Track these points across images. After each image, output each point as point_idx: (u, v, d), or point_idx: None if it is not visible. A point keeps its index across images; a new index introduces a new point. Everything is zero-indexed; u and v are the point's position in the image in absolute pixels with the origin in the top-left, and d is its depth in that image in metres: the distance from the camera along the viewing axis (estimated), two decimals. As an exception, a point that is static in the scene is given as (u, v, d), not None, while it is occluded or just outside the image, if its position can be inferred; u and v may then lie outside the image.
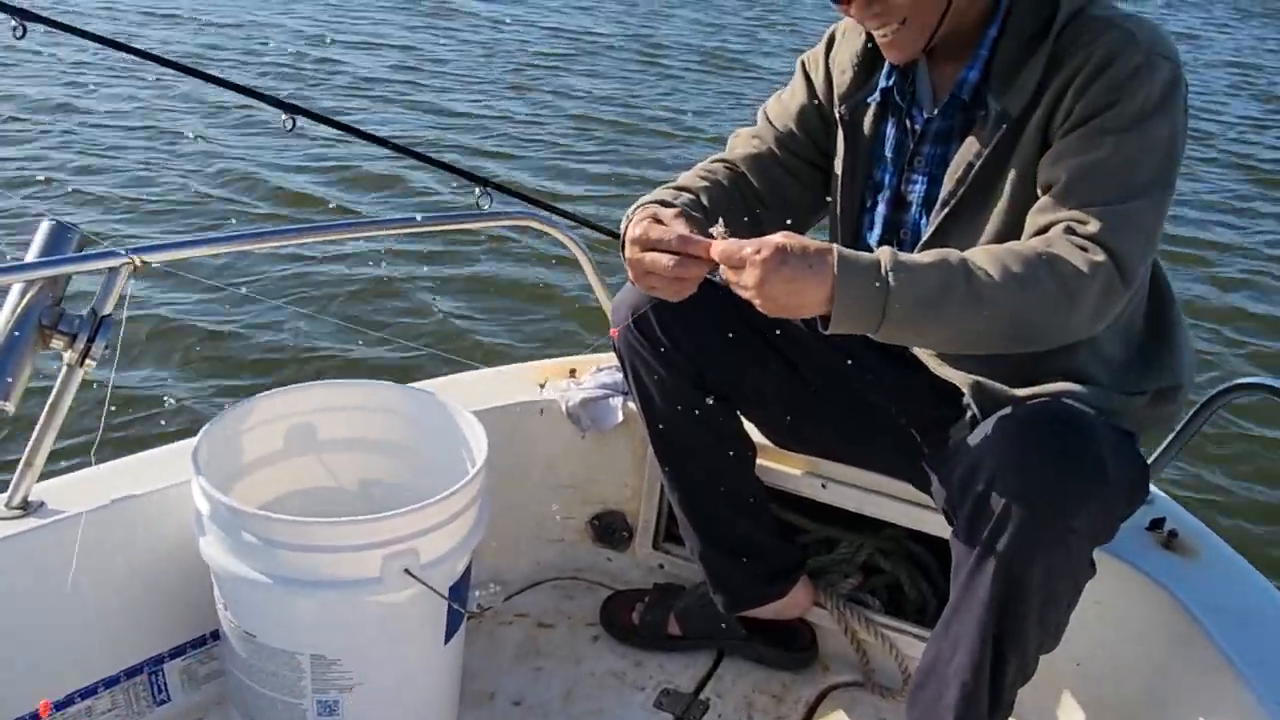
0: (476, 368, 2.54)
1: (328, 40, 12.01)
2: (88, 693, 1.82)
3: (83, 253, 1.70)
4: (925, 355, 1.83)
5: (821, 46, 1.91)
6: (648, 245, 1.50)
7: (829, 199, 1.90)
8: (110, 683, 1.84)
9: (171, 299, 4.79)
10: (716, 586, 2.13)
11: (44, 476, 1.76)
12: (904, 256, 1.43)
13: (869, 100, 1.80)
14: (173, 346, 4.43)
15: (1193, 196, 8.23)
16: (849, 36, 1.84)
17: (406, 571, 1.60)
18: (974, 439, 1.59)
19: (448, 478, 1.73)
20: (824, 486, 2.14)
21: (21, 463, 1.71)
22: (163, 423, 3.90)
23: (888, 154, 1.80)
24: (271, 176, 6.61)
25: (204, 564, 1.69)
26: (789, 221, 1.92)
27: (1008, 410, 1.59)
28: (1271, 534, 3.83)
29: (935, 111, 1.71)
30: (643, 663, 2.22)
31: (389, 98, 9.48)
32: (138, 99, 7.97)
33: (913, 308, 1.41)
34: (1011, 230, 1.60)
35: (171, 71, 2.12)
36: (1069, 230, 1.48)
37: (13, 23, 1.87)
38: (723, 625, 2.20)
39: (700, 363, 1.91)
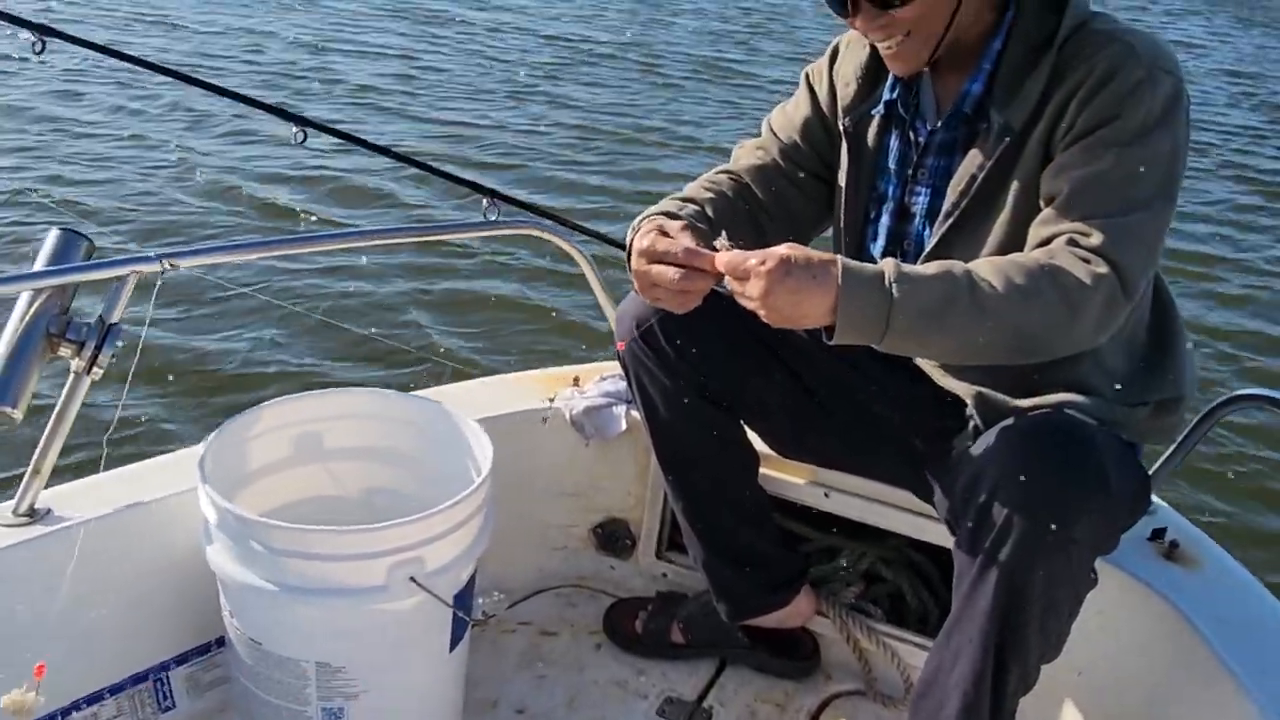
0: (480, 376, 2.55)
1: (326, 49, 12.00)
2: (93, 699, 1.83)
3: (90, 261, 1.72)
4: (928, 366, 1.84)
5: (825, 59, 1.91)
6: (654, 257, 1.51)
7: (833, 210, 1.91)
8: (115, 689, 1.85)
9: (178, 306, 4.80)
10: (719, 595, 2.13)
11: (51, 484, 1.77)
12: (908, 268, 1.44)
13: (873, 112, 1.80)
14: (179, 354, 4.44)
15: (1194, 208, 8.20)
16: (853, 48, 1.85)
17: (412, 580, 1.61)
18: (977, 449, 1.60)
19: (453, 486, 1.74)
20: (827, 495, 2.15)
21: (29, 470, 1.72)
22: (169, 429, 3.91)
23: (891, 166, 1.81)
24: (277, 187, 6.62)
25: (209, 571, 1.70)
26: (794, 233, 1.93)
27: (1010, 421, 1.60)
28: (1273, 544, 3.84)
29: (939, 124, 1.71)
30: (646, 671, 2.22)
31: (389, 107, 9.48)
32: (146, 111, 7.97)
33: (916, 319, 1.42)
34: (1014, 242, 1.61)
35: (180, 83, 2.13)
36: (1071, 242, 1.49)
37: (33, 38, 1.88)
38: (725, 634, 2.20)
39: (704, 373, 1.92)
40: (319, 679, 1.68)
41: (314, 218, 6.24)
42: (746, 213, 1.88)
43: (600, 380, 2.39)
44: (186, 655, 1.94)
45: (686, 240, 1.51)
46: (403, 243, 5.24)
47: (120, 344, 1.69)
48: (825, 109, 1.89)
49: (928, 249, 1.72)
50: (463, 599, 1.76)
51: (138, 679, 1.88)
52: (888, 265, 1.43)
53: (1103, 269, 1.46)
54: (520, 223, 2.28)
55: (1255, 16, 27.33)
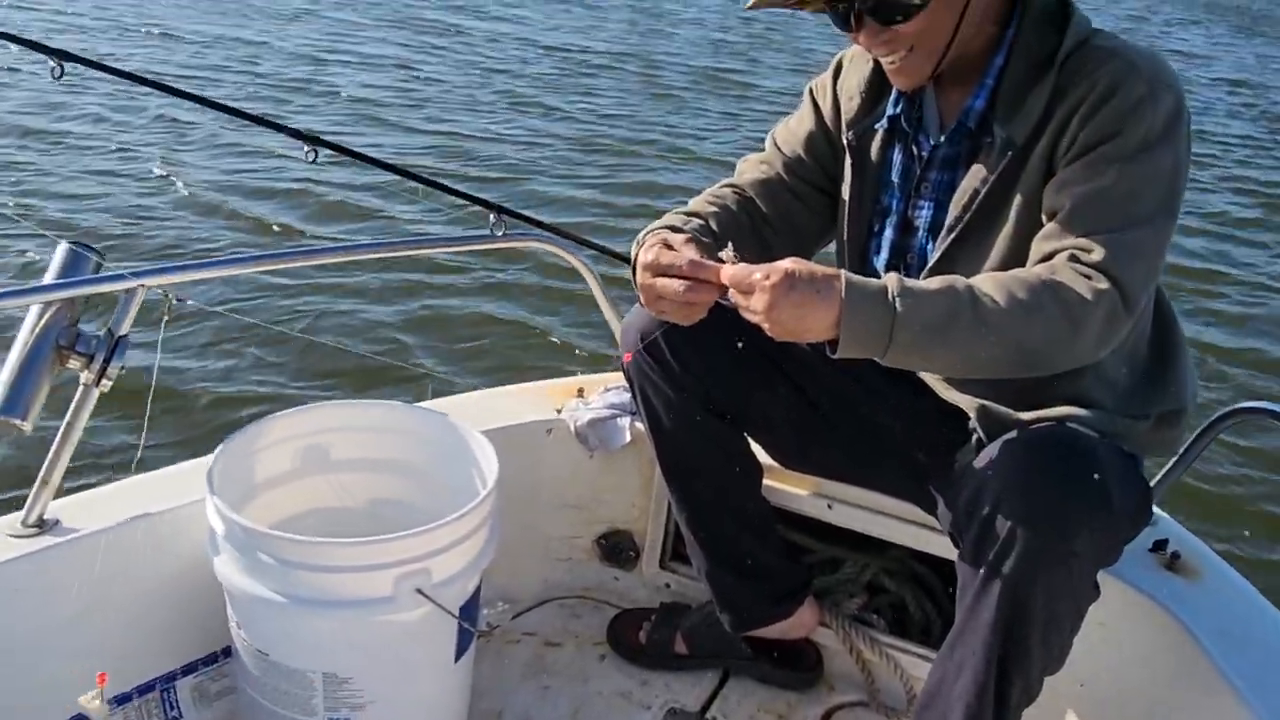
0: (485, 388, 2.56)
1: (326, 60, 12.05)
2: None
3: (99, 274, 1.73)
4: (931, 379, 1.85)
5: (829, 73, 1.93)
6: (659, 270, 1.52)
7: (836, 224, 1.92)
8: (122, 699, 1.86)
9: (186, 320, 4.82)
10: (723, 606, 2.14)
11: (61, 494, 1.78)
12: (910, 283, 1.45)
13: (876, 126, 1.81)
14: (187, 366, 4.46)
15: (1195, 219, 8.19)
16: (856, 63, 1.86)
17: (418, 591, 1.62)
18: (979, 462, 1.61)
19: (458, 498, 1.76)
20: (830, 507, 2.16)
21: (38, 481, 1.73)
22: (178, 439, 3.93)
23: (895, 179, 1.82)
24: (284, 204, 6.63)
25: (217, 581, 1.71)
26: (798, 247, 1.94)
27: (1013, 434, 1.61)
28: (1275, 556, 3.85)
29: (942, 139, 1.72)
30: (649, 682, 2.23)
31: (389, 119, 9.50)
32: (153, 128, 7.98)
33: (919, 333, 1.43)
34: (1017, 256, 1.62)
35: (188, 100, 2.15)
36: (1073, 258, 1.50)
37: (51, 63, 1.90)
38: (729, 645, 2.21)
39: (709, 385, 1.93)
40: (326, 690, 1.69)
41: (319, 233, 6.27)
42: (750, 226, 1.89)
43: (605, 391, 2.40)
44: (193, 665, 1.94)
45: (691, 253, 1.53)
46: (406, 256, 5.30)
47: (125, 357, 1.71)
48: (829, 123, 1.90)
49: (931, 263, 1.73)
50: (468, 610, 1.77)
51: (144, 689, 1.89)
52: (891, 280, 1.45)
53: (1104, 284, 1.47)
54: (525, 236, 2.29)
55: (1257, 26, 27.34)
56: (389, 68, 12.00)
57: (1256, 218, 8.65)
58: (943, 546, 1.98)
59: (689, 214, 1.84)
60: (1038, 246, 1.57)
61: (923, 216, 1.78)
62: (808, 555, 2.28)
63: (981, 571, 1.53)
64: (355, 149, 2.15)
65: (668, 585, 2.42)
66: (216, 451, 1.78)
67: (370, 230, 6.35)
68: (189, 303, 1.75)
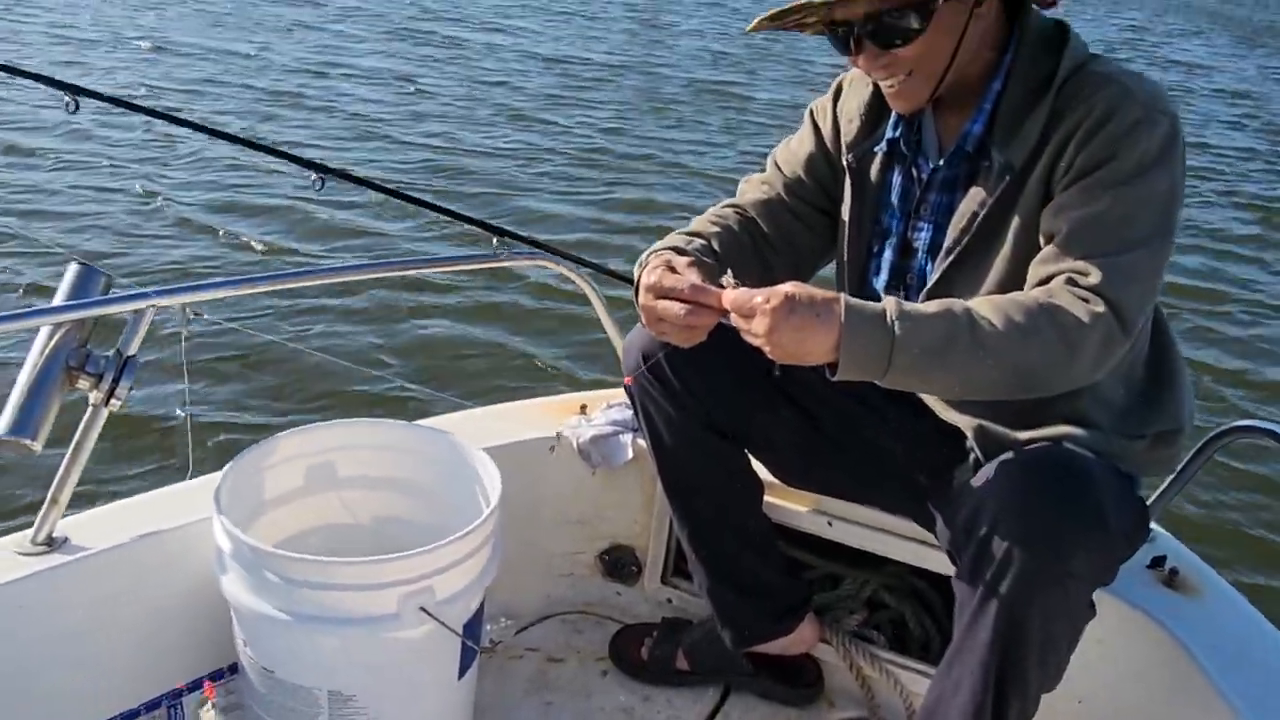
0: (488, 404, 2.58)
1: (325, 75, 12.08)
2: None
3: (108, 295, 1.75)
4: (930, 399, 1.87)
5: (829, 96, 1.95)
6: (661, 293, 1.54)
7: (837, 244, 1.94)
8: (129, 716, 1.87)
9: (195, 340, 4.85)
10: (723, 622, 2.16)
11: (69, 512, 1.80)
12: (909, 306, 1.47)
13: (875, 149, 1.83)
14: (195, 384, 4.48)
15: (1194, 236, 8.14)
16: (856, 86, 1.88)
17: (422, 610, 1.64)
18: (977, 482, 1.62)
19: (462, 515, 1.78)
20: (830, 524, 2.18)
21: (47, 499, 1.75)
22: (188, 455, 3.95)
23: (894, 201, 1.84)
24: (284, 225, 6.66)
25: (223, 599, 1.73)
26: (798, 267, 1.96)
27: (1010, 455, 1.63)
28: (1272, 573, 3.86)
29: (941, 161, 1.74)
30: (651, 697, 2.25)
31: (387, 134, 9.51)
32: (159, 155, 8.00)
33: (918, 356, 1.44)
34: (1014, 278, 1.63)
35: (192, 128, 2.19)
36: (1070, 281, 1.52)
37: (65, 98, 1.92)
38: (730, 661, 2.23)
39: (711, 405, 1.95)
40: (331, 707, 1.71)
41: (323, 254, 6.29)
42: (752, 247, 1.91)
43: (607, 408, 2.42)
44: (199, 682, 1.96)
45: (693, 277, 1.54)
46: (408, 276, 5.32)
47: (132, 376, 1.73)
48: (829, 145, 1.92)
49: (929, 284, 1.74)
50: (472, 628, 1.79)
51: (151, 705, 1.90)
52: (890, 303, 1.46)
53: (1100, 308, 1.49)
54: (527, 255, 2.31)
55: (1259, 38, 27.32)
56: (388, 80, 12.02)
57: (1256, 234, 8.56)
58: (942, 563, 1.99)
59: (691, 234, 1.86)
60: (1035, 270, 1.59)
61: (922, 238, 1.80)
62: (808, 571, 2.29)
63: (978, 591, 1.55)
64: (359, 174, 2.18)
65: (669, 601, 2.44)
66: (224, 470, 1.80)
67: (373, 250, 6.37)
68: (204, 317, 1.76)
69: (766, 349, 1.44)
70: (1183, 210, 1.63)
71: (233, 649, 1.81)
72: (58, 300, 1.72)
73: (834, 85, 1.95)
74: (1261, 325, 6.55)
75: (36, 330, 1.71)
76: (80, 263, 1.76)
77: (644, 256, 1.72)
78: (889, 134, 1.81)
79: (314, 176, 2.04)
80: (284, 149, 2.11)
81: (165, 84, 10.70)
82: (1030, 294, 1.53)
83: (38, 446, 1.64)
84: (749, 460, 2.10)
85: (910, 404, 1.89)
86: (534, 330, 5.50)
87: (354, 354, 5.01)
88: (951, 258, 1.71)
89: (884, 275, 1.86)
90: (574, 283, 2.40)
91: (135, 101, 2.08)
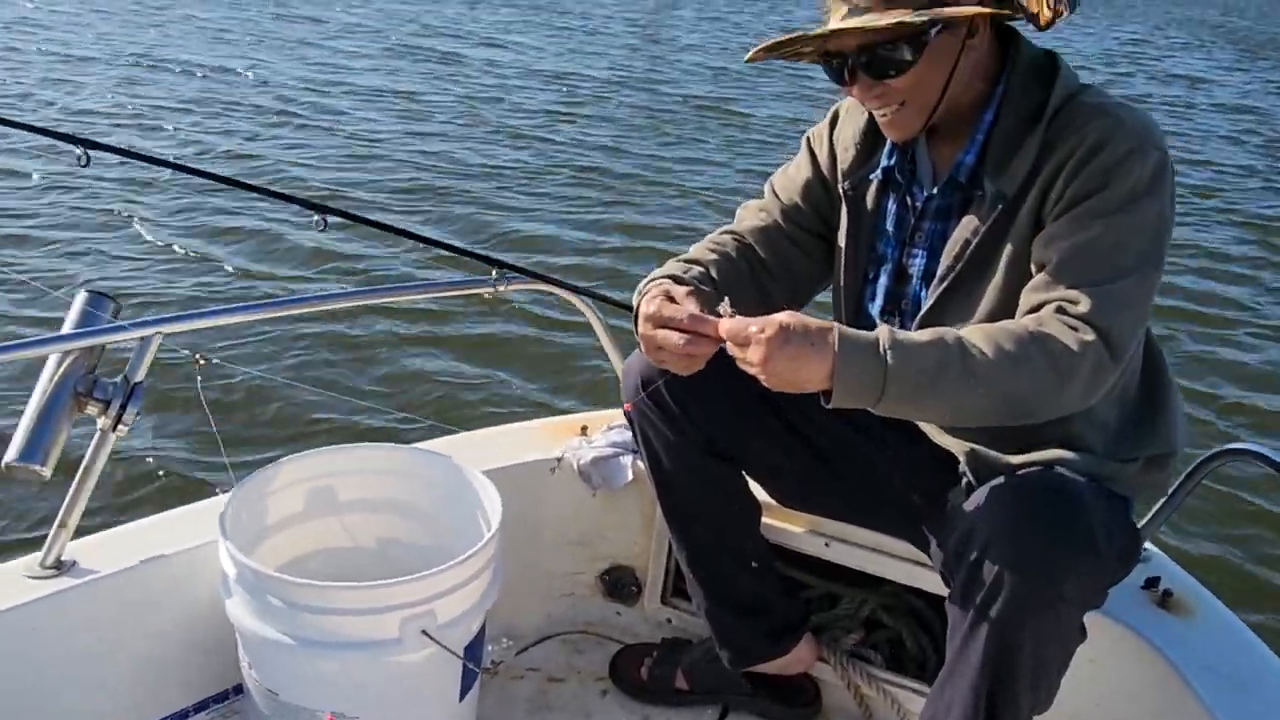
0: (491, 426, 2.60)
1: (326, 92, 12.14)
2: None
3: (116, 323, 1.78)
4: (923, 423, 1.90)
5: (826, 123, 1.97)
6: (659, 322, 1.57)
7: (833, 270, 1.97)
8: (136, 736, 1.90)
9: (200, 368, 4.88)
10: (722, 643, 2.18)
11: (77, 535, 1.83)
12: (901, 335, 1.50)
13: (871, 177, 1.86)
14: (198, 409, 4.50)
15: (1193, 255, 8.03)
16: (852, 114, 1.91)
17: (424, 633, 1.66)
18: (969, 506, 1.65)
19: (463, 538, 1.80)
20: (827, 545, 2.20)
21: (56, 523, 1.78)
22: (189, 479, 3.99)
23: (889, 228, 1.86)
24: (285, 253, 6.68)
25: (228, 622, 1.75)
26: (795, 292, 1.99)
27: (1001, 479, 1.66)
28: (1266, 596, 3.87)
29: (935, 190, 1.77)
30: (650, 717, 2.26)
31: (386, 154, 9.53)
32: (166, 182, 8.05)
33: (910, 384, 1.47)
34: (1007, 305, 1.66)
35: (201, 176, 2.23)
36: (1060, 310, 1.54)
37: (77, 151, 1.96)
38: (728, 680, 2.24)
39: (709, 430, 1.98)
40: (334, 728, 1.73)
41: (324, 282, 6.32)
42: (749, 273, 1.94)
43: (607, 430, 2.45)
44: (205, 703, 1.99)
45: (691, 306, 1.57)
46: (407, 303, 5.36)
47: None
48: (826, 172, 1.95)
49: (924, 310, 1.77)
50: (473, 650, 1.81)
51: (158, 726, 1.94)
52: (882, 332, 1.49)
53: (1090, 336, 1.51)
54: (527, 280, 2.34)
55: (1261, 51, 27.30)
56: (388, 98, 12.06)
57: (1254, 254, 8.44)
58: (939, 583, 2.00)
59: (689, 261, 1.89)
60: (1026, 297, 1.61)
61: (917, 264, 1.82)
62: (806, 591, 2.31)
63: (970, 615, 1.57)
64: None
65: (669, 621, 2.46)
66: (229, 495, 1.83)
67: (374, 278, 6.40)
68: (214, 360, 1.80)
69: (762, 377, 1.47)
70: (1172, 237, 1.65)
71: (238, 671, 1.84)
72: (66, 328, 1.75)
73: (830, 113, 1.98)
74: (1259, 346, 6.53)
75: (46, 357, 1.74)
76: (89, 290, 1.79)
77: (643, 285, 1.75)
78: (884, 162, 1.84)
79: (316, 217, 2.08)
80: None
81: (167, 102, 10.79)
82: (1021, 322, 1.56)
83: (47, 472, 1.67)
84: (746, 483, 2.12)
85: (905, 428, 1.91)
86: (533, 355, 5.51)
87: (356, 381, 5.04)
88: (945, 284, 1.73)
89: (879, 301, 1.88)
90: (572, 308, 2.42)
91: (149, 153, 2.12)
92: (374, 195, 8.05)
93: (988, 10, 1.57)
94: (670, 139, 11.25)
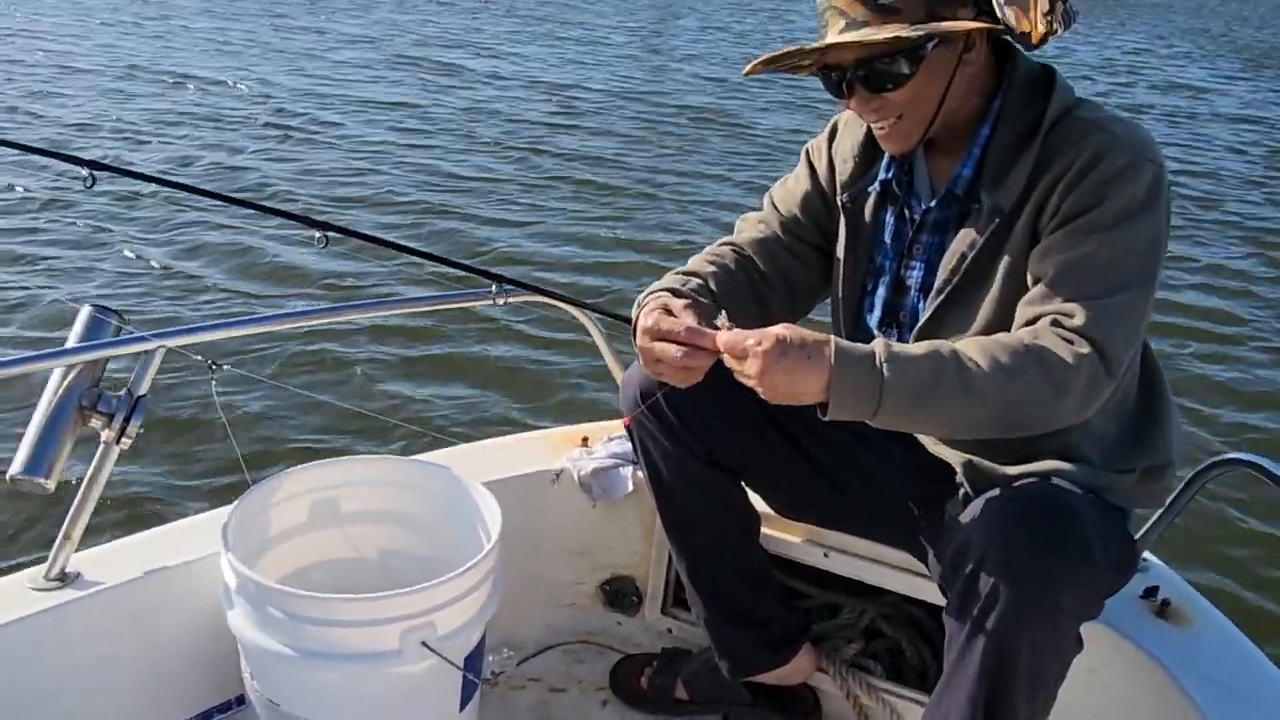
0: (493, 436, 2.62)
1: (330, 102, 12.18)
2: None
3: (120, 337, 1.80)
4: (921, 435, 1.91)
5: (824, 136, 1.99)
6: (658, 335, 1.58)
7: (831, 282, 1.98)
8: (140, 747, 1.92)
9: (202, 380, 4.89)
10: (721, 653, 2.18)
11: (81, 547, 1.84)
12: (898, 348, 1.51)
13: (869, 189, 1.87)
14: (201, 423, 4.53)
15: (1193, 266, 8.02)
16: (850, 127, 1.92)
17: (424, 644, 1.67)
18: (965, 517, 1.66)
19: (464, 549, 1.82)
20: (826, 555, 2.21)
21: (60, 535, 1.79)
22: (192, 492, 4.01)
23: (887, 240, 1.87)
24: (286, 271, 6.70)
25: (230, 633, 1.76)
26: (794, 304, 2.00)
27: (997, 491, 1.67)
28: (1266, 603, 3.87)
29: (932, 203, 1.78)
30: (651, 727, 2.28)
31: (385, 166, 9.57)
32: (166, 203, 8.07)
33: (906, 397, 1.48)
34: (1004, 318, 1.67)
35: (204, 195, 2.25)
36: (1055, 323, 1.55)
37: (83, 173, 1.98)
38: (728, 690, 2.25)
39: (708, 442, 1.99)
40: (335, 739, 1.74)
41: (326, 294, 6.34)
42: (748, 285, 1.95)
43: (608, 441, 2.46)
44: (208, 713, 2.00)
45: (689, 319, 1.58)
46: (407, 314, 5.37)
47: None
48: (824, 184, 1.96)
49: (921, 322, 1.78)
50: (473, 660, 1.82)
51: (161, 736, 1.95)
52: (879, 345, 1.50)
53: (1085, 349, 1.52)
54: (526, 293, 2.35)
55: (1264, 60, 27.28)
56: (388, 110, 12.09)
57: (1255, 265, 8.38)
58: (938, 593, 2.01)
59: (688, 273, 1.90)
60: (1022, 311, 1.62)
61: (914, 277, 1.83)
62: (805, 601, 2.32)
63: (966, 626, 1.58)
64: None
65: (670, 631, 2.47)
66: (232, 507, 1.84)
67: (373, 292, 6.40)
68: (225, 368, 1.82)
69: (759, 390, 1.48)
70: (1168, 249, 1.66)
71: (240, 682, 1.85)
72: (70, 342, 1.77)
73: (829, 125, 1.99)
74: (1259, 357, 6.52)
75: (50, 371, 1.76)
76: (93, 305, 1.81)
77: (642, 297, 1.76)
78: (882, 175, 1.85)
79: (318, 234, 2.09)
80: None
81: (168, 116, 10.84)
82: (1016, 335, 1.57)
83: (51, 485, 1.69)
84: (746, 494, 2.14)
85: (903, 439, 1.92)
86: (534, 368, 5.52)
87: (357, 394, 5.05)
88: (942, 297, 1.75)
89: (877, 313, 1.90)
90: (572, 321, 2.43)
91: (152, 170, 2.14)
92: (374, 209, 8.08)
93: (983, 25, 1.58)
94: (671, 151, 11.26)
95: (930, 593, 2.10)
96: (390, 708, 1.76)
